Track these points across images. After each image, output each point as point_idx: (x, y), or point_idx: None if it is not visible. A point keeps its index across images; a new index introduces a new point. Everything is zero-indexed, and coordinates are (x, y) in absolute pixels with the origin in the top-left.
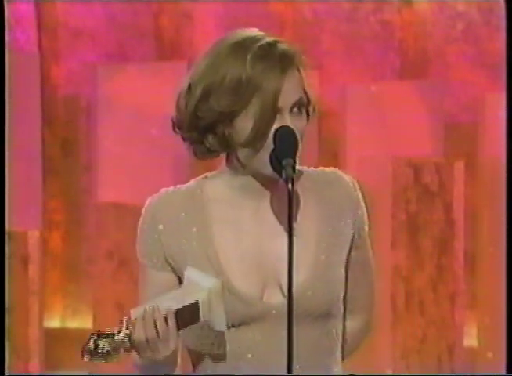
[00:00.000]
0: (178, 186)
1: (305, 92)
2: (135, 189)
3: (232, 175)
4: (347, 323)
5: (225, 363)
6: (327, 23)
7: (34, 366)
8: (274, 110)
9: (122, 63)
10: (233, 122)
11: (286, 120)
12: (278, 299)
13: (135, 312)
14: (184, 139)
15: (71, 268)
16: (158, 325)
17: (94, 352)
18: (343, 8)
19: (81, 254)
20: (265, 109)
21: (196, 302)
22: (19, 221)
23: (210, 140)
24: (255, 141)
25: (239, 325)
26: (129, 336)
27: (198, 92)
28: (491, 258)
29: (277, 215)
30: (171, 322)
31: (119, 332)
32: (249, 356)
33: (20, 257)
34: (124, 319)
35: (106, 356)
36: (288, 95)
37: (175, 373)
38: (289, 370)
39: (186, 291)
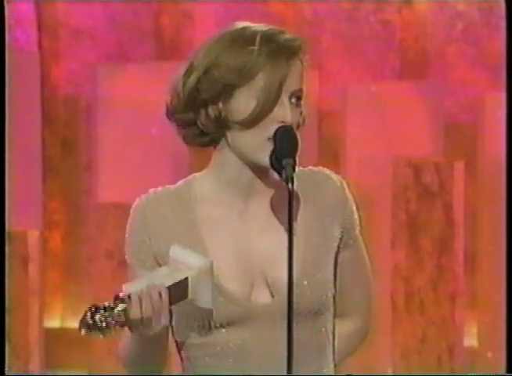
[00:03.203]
0: (167, 186)
1: (303, 90)
2: (135, 189)
3: (219, 170)
4: (343, 324)
5: (215, 363)
6: (327, 23)
7: (34, 366)
8: (279, 91)
9: (122, 63)
10: (233, 98)
11: (285, 105)
12: (266, 298)
13: (127, 288)
14: (177, 124)
15: (71, 268)
16: (154, 301)
17: (92, 325)
18: (343, 8)
19: (81, 254)
20: (271, 88)
21: (186, 279)
22: (19, 221)
23: (203, 120)
24: (255, 120)
25: (228, 325)
26: (125, 311)
27: (202, 66)
28: (491, 257)
29: (264, 213)
30: (165, 298)
31: (115, 306)
32: (237, 355)
33: (20, 257)
34: (120, 295)
35: (103, 328)
36: (291, 81)
37: (173, 373)
38: (289, 370)
39: (176, 269)
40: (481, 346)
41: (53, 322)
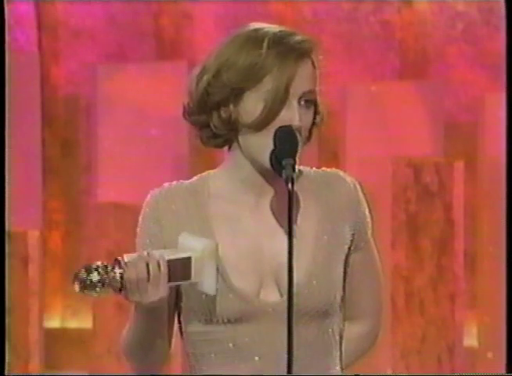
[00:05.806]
0: (181, 180)
1: (315, 92)
2: (135, 189)
3: (233, 170)
4: (352, 327)
5: (221, 360)
6: (327, 23)
7: (34, 366)
8: (286, 93)
9: (122, 63)
10: (242, 101)
11: (293, 108)
12: (275, 297)
13: (127, 257)
14: (193, 124)
15: (71, 268)
16: (150, 267)
17: (85, 281)
18: (343, 8)
19: (81, 254)
20: (278, 90)
21: (189, 258)
22: (19, 221)
23: (215, 122)
24: (263, 122)
25: (235, 322)
26: (121, 274)
27: (212, 68)
28: (491, 258)
29: (276, 213)
30: (163, 267)
31: (113, 268)
32: (245, 353)
33: (20, 257)
34: (119, 258)
35: (97, 287)
36: (300, 83)
37: (173, 373)
38: (289, 370)
39: (180, 250)
40: (481, 346)
41: (53, 322)
